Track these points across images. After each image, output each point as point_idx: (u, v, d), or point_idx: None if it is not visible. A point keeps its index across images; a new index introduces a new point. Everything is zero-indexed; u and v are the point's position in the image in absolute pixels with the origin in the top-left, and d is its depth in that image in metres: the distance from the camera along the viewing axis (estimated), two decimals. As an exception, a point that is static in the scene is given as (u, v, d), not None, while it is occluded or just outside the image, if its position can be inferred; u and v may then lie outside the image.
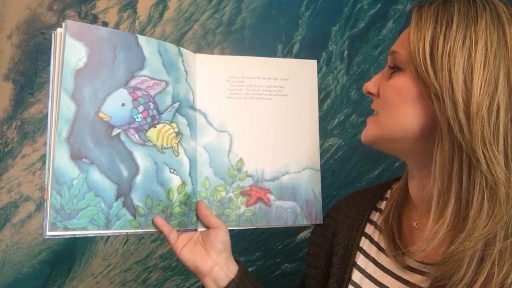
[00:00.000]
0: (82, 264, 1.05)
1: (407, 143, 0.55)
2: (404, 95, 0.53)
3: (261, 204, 0.74)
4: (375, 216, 0.67)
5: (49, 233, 0.60)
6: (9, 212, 1.00)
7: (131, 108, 0.65)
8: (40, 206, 0.99)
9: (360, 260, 0.64)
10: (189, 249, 0.68)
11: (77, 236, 0.62)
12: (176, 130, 0.69)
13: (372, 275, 0.62)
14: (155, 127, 0.67)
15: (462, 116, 0.47)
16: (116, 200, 0.64)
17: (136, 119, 0.65)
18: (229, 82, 0.74)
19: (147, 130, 0.66)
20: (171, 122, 0.68)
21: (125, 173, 0.64)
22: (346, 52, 1.16)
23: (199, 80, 0.72)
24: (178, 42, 1.11)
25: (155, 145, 0.67)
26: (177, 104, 0.69)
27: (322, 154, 1.13)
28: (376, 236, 0.64)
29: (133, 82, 0.65)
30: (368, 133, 0.59)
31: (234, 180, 0.73)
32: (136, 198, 0.65)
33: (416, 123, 0.53)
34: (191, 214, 0.70)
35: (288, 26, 1.14)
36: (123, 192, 0.64)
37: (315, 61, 0.80)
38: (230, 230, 0.71)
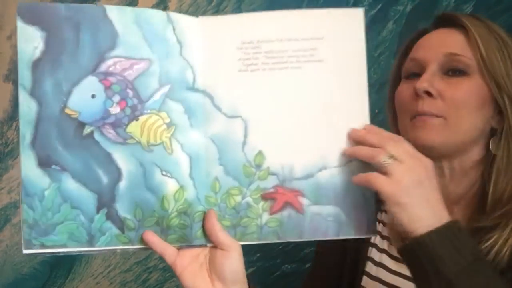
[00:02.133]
0: (82, 264, 1.03)
1: (469, 145, 0.59)
2: (478, 99, 0.58)
3: (290, 210, 0.55)
4: (378, 227, 0.67)
5: (25, 251, 0.52)
6: (9, 212, 1.00)
7: (104, 99, 0.52)
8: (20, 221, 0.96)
9: (369, 267, 0.66)
10: (192, 273, 0.53)
11: (59, 254, 0.54)
12: (167, 120, 0.54)
13: (383, 279, 0.64)
14: (137, 119, 0.53)
15: None
16: (98, 212, 0.53)
17: (112, 112, 0.52)
18: (242, 50, 0.55)
19: (127, 125, 0.53)
20: (159, 111, 0.54)
21: (104, 179, 0.53)
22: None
23: (202, 51, 0.55)
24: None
25: (139, 142, 0.53)
26: (166, 88, 0.54)
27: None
28: (385, 245, 0.66)
29: (103, 66, 0.52)
30: (437, 138, 0.58)
31: (253, 179, 0.55)
32: (122, 209, 0.53)
33: (483, 125, 0.59)
34: (196, 226, 0.55)
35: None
36: (105, 202, 0.53)
37: (361, 10, 0.54)
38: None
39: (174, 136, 0.54)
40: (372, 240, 0.67)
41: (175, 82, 0.54)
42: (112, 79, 0.52)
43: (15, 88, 0.96)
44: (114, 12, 0.52)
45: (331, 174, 0.55)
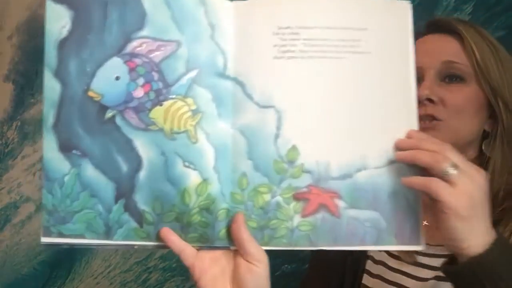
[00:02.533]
0: (82, 264, 1.01)
1: (464, 147, 0.61)
2: (476, 104, 0.60)
3: (324, 213, 0.48)
4: None
5: (43, 239, 0.50)
6: (9, 212, 0.99)
7: (128, 82, 0.49)
8: (40, 206, 0.93)
9: (369, 265, 0.66)
10: (212, 277, 0.48)
11: (75, 246, 0.50)
12: (193, 107, 0.49)
13: (383, 276, 0.63)
14: (161, 104, 0.49)
15: None
16: (116, 202, 0.49)
17: (135, 96, 0.49)
18: (278, 36, 0.50)
19: (150, 110, 0.49)
20: (185, 96, 0.49)
21: (124, 167, 0.49)
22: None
23: (234, 36, 0.51)
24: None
25: (162, 129, 0.49)
26: (194, 72, 0.50)
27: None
28: None
29: (129, 47, 0.49)
30: (441, 139, 0.52)
31: (284, 177, 0.49)
32: (141, 201, 0.49)
33: (480, 128, 0.62)
34: (218, 225, 0.49)
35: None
36: (124, 193, 0.49)
37: (409, 3, 0.48)
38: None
39: (200, 124, 0.50)
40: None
41: (204, 67, 0.50)
42: (137, 60, 0.49)
43: (15, 88, 0.97)
44: (144, -10, 0.49)
45: (371, 175, 0.48)
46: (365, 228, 0.47)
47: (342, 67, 0.49)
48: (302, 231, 0.48)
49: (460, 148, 0.58)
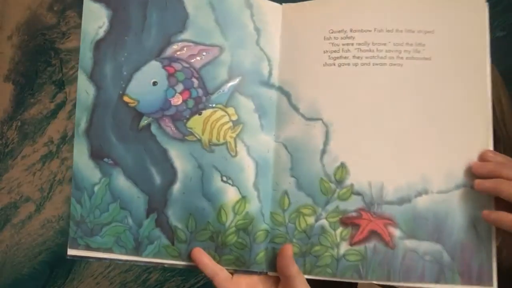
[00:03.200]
0: (82, 264, 0.99)
1: None
2: None
3: (376, 242, 0.43)
4: None
5: (70, 252, 0.47)
6: (9, 212, 0.95)
7: (166, 88, 0.46)
8: (40, 206, 0.93)
9: None
10: None
11: (103, 261, 0.47)
12: (234, 118, 0.45)
13: None
14: (200, 113, 0.46)
15: (499, 117, 0.52)
16: (147, 216, 0.46)
17: (173, 104, 0.46)
18: (330, 41, 0.46)
19: (188, 119, 0.46)
20: (226, 106, 0.45)
21: (157, 179, 0.46)
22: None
23: (281, 41, 0.47)
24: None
25: (199, 140, 0.45)
26: (236, 80, 0.46)
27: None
28: None
29: (169, 51, 0.46)
30: None
31: (331, 198, 0.44)
32: (174, 216, 0.45)
33: None
34: (256, 248, 0.45)
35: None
36: (156, 206, 0.46)
37: (484, 1, 0.43)
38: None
39: (240, 136, 0.45)
40: None
41: (248, 74, 0.46)
42: (176, 65, 0.46)
43: (15, 88, 0.93)
44: (186, -9, 0.46)
45: (434, 201, 0.42)
46: (424, 263, 0.41)
47: (401, 75, 0.44)
48: (349, 261, 0.43)
49: None
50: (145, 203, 0.46)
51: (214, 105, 0.46)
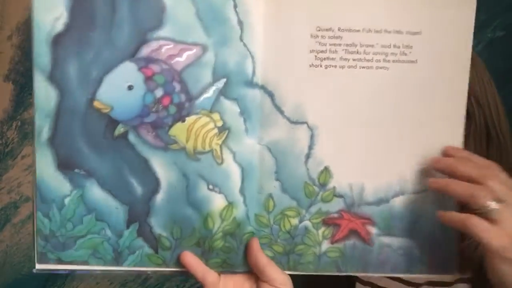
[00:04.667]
0: None
1: None
2: None
3: (355, 240, 0.46)
4: None
5: (38, 266, 0.43)
6: (9, 212, 0.95)
7: (144, 93, 0.41)
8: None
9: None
10: None
11: (77, 272, 0.45)
12: (220, 124, 0.43)
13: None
14: (183, 120, 0.42)
15: (495, 118, 0.55)
16: (128, 226, 0.43)
17: (153, 110, 0.41)
18: (317, 39, 0.44)
19: (170, 126, 0.42)
20: (211, 111, 0.43)
21: (138, 189, 0.43)
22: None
23: (264, 36, 0.43)
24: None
25: (183, 149, 0.43)
26: (221, 82, 0.42)
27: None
28: None
29: (145, 50, 0.40)
30: None
31: (314, 201, 0.46)
32: (158, 225, 0.44)
33: None
34: (242, 250, 0.46)
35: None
36: (137, 216, 0.43)
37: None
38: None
39: (226, 143, 0.44)
40: None
41: (233, 75, 0.43)
42: (155, 67, 0.41)
43: (15, 88, 0.88)
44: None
45: (409, 201, 0.46)
46: (397, 257, 0.46)
47: (387, 80, 0.45)
48: (329, 258, 0.47)
49: None
50: (125, 213, 0.44)
51: (198, 111, 0.43)
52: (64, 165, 0.41)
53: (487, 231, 0.38)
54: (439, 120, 0.45)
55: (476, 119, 0.55)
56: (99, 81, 0.40)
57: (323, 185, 0.46)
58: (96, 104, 0.40)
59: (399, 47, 0.44)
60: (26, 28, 0.90)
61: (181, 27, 0.41)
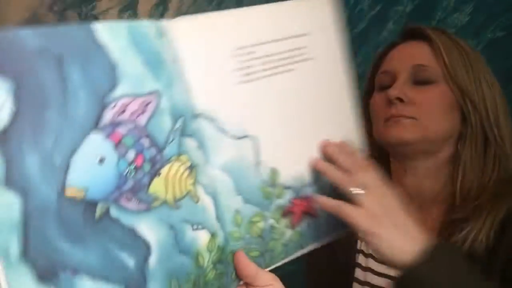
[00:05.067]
0: None
1: (438, 145, 0.64)
2: (446, 104, 0.63)
3: (308, 219, 0.54)
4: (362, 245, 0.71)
5: None
6: None
7: (116, 161, 0.37)
8: None
9: (358, 273, 0.70)
10: None
11: None
12: (188, 164, 0.42)
13: (371, 282, 0.68)
14: (159, 174, 0.40)
15: (492, 121, 0.62)
16: (129, 305, 0.39)
17: (129, 176, 0.38)
18: (237, 58, 0.46)
19: (149, 185, 0.39)
20: (179, 154, 0.41)
21: (130, 262, 0.39)
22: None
23: (194, 64, 0.43)
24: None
25: (165, 202, 0.41)
26: (180, 122, 0.41)
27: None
28: (370, 249, 0.68)
29: (108, 116, 0.36)
30: (412, 133, 0.62)
31: (272, 200, 0.51)
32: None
33: (452, 128, 0.64)
34: (230, 269, 0.48)
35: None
36: (136, 289, 0.40)
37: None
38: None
39: (198, 179, 0.44)
40: (358, 247, 0.71)
41: (185, 112, 0.43)
42: (121, 130, 0.37)
43: None
44: (106, 33, 0.35)
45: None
46: (336, 219, 0.56)
47: (295, 79, 0.51)
48: (294, 242, 0.53)
49: (436, 145, 0.63)
50: (123, 293, 0.40)
51: (169, 159, 0.41)
52: (46, 275, 0.34)
53: (351, 212, 0.46)
54: (333, 113, 0.55)
55: (472, 122, 0.61)
56: (66, 166, 0.34)
57: (274, 184, 0.51)
58: (68, 192, 0.34)
59: (299, 48, 0.51)
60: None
61: (135, 80, 0.37)
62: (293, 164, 0.52)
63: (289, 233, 0.52)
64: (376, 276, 0.67)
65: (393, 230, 0.46)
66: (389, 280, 0.64)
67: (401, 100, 0.62)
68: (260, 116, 0.49)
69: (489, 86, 0.61)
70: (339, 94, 0.55)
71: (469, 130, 0.62)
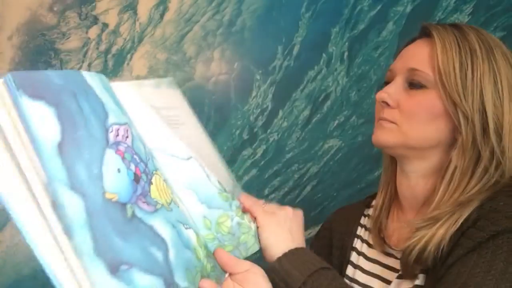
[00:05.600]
0: None
1: (422, 152, 0.62)
2: (431, 112, 0.60)
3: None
4: (361, 231, 0.75)
5: None
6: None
7: (126, 171, 0.46)
8: None
9: (353, 256, 0.73)
10: None
11: None
12: (163, 177, 0.53)
13: (362, 266, 0.71)
14: (152, 183, 0.50)
15: (493, 135, 0.57)
16: (168, 296, 0.46)
17: (136, 183, 0.47)
18: (159, 113, 0.59)
19: (149, 191, 0.49)
20: (156, 170, 0.52)
21: (159, 256, 0.47)
22: (346, 54, 1.18)
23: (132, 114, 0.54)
24: (179, 44, 1.14)
25: (163, 205, 0.50)
26: (147, 147, 0.53)
27: (321, 156, 1.18)
28: (366, 235, 0.73)
29: (111, 136, 0.46)
30: (389, 138, 0.62)
31: (230, 202, 0.61)
32: (181, 280, 0.49)
33: (438, 136, 0.61)
34: (217, 263, 0.57)
35: (288, 27, 1.17)
36: (170, 282, 0.47)
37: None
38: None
39: (172, 190, 0.54)
40: (357, 232, 0.74)
41: (142, 137, 0.53)
42: (122, 148, 0.47)
43: None
44: (90, 78, 0.47)
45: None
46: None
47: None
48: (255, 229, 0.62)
49: (422, 151, 0.61)
50: (163, 285, 0.46)
51: (153, 172, 0.51)
52: (114, 268, 0.40)
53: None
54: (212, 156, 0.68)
55: (463, 134, 0.57)
56: (100, 174, 0.42)
57: (225, 190, 0.61)
58: (107, 195, 0.42)
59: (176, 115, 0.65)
60: (26, 29, 1.00)
61: (115, 113, 0.48)
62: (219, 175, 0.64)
63: (253, 225, 0.61)
64: (367, 261, 0.69)
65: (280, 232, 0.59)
66: (378, 266, 0.68)
67: (387, 103, 0.62)
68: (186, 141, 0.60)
69: (498, 91, 0.57)
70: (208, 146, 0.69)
71: (459, 140, 0.58)
